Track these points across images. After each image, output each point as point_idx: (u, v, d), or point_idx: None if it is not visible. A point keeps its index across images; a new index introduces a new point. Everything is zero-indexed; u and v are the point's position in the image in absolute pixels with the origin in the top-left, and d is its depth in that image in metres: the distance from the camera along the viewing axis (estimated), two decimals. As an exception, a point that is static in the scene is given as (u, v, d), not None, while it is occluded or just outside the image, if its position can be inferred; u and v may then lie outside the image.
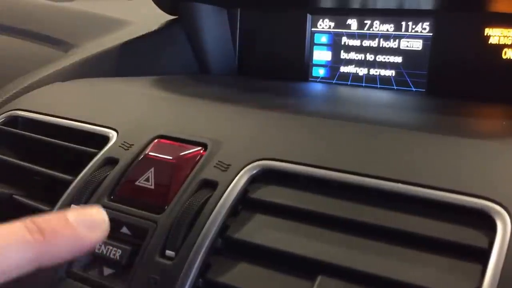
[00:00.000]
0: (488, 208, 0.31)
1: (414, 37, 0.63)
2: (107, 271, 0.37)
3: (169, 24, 0.73)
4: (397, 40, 0.64)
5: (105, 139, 0.45)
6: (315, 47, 0.70)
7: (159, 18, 0.74)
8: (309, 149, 0.39)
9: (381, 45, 0.65)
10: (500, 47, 0.59)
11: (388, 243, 0.32)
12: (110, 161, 0.43)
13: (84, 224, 0.30)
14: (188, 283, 0.34)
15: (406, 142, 0.39)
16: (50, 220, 0.29)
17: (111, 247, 0.37)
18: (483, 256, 0.30)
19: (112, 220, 0.37)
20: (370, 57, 0.66)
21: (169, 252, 0.36)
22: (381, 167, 0.36)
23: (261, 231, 0.35)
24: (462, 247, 0.31)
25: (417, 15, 0.62)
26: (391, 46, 0.65)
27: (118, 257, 0.37)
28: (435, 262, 0.31)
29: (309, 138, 0.42)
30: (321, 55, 0.70)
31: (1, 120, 0.53)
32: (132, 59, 0.68)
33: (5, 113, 0.53)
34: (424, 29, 0.62)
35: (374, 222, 0.33)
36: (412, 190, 0.34)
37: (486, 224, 0.31)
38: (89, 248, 0.30)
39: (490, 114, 0.54)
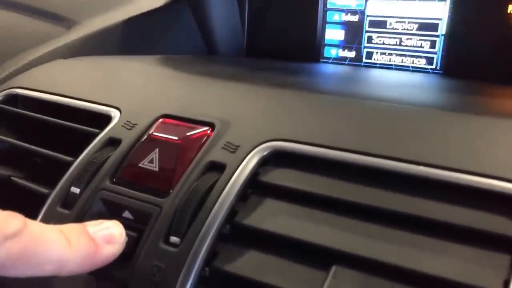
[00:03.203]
0: (519, 193, 0.30)
1: (431, 18, 0.61)
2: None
3: (175, 0, 0.71)
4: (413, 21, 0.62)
5: (107, 118, 0.44)
6: (327, 25, 0.68)
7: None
8: (323, 129, 0.38)
9: (397, 24, 0.63)
10: (524, 26, 0.56)
11: (409, 231, 0.31)
12: (112, 142, 0.42)
13: (102, 238, 0.32)
14: (194, 271, 0.33)
15: (429, 121, 0.38)
16: (73, 230, 0.30)
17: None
18: (512, 246, 0.29)
19: (114, 204, 0.38)
20: (385, 36, 0.64)
21: (173, 238, 0.34)
22: (402, 149, 0.34)
23: (271, 217, 0.34)
24: (490, 236, 0.29)
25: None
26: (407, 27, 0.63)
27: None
28: (460, 252, 0.29)
29: (323, 117, 0.40)
30: (334, 35, 0.67)
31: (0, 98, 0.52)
32: (136, 37, 0.67)
33: (4, 91, 0.52)
34: (443, 6, 0.60)
35: (393, 208, 0.32)
36: (435, 173, 0.32)
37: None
38: (106, 261, 0.32)
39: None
